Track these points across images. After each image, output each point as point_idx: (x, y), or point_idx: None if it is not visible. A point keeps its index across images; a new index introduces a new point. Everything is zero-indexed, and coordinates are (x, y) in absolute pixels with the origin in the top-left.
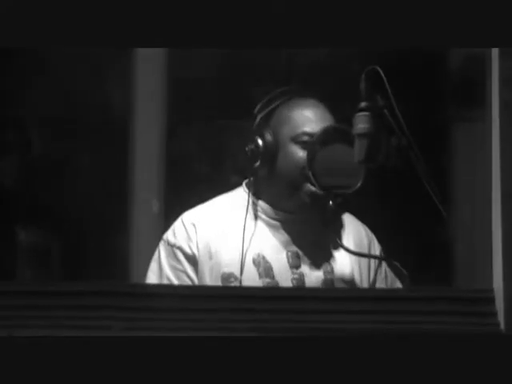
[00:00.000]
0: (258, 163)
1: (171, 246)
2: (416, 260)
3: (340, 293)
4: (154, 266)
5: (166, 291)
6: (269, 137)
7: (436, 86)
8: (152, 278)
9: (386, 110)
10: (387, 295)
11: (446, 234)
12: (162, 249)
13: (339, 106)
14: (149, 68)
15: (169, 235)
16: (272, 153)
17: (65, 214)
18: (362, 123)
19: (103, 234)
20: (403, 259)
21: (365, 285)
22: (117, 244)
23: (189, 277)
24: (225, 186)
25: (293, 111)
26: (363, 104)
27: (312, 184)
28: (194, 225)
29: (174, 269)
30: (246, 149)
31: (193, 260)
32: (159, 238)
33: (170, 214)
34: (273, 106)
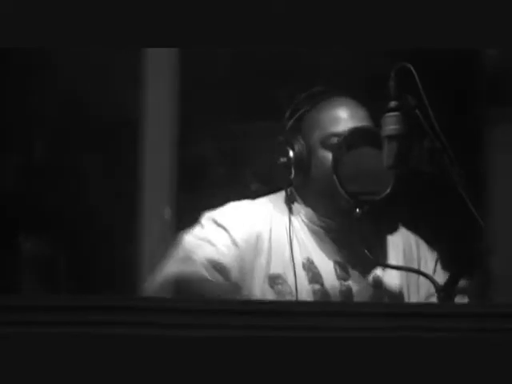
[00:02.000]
0: (292, 175)
1: (217, 225)
2: (450, 270)
3: (379, 308)
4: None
5: (178, 306)
6: (299, 146)
7: (470, 85)
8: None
9: (417, 110)
10: (421, 311)
11: (483, 243)
12: (206, 223)
13: (368, 106)
14: (160, 69)
15: (216, 215)
16: (304, 162)
17: (72, 223)
18: (391, 124)
19: (112, 242)
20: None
21: (413, 298)
22: (127, 253)
23: (235, 253)
24: (243, 192)
25: (322, 113)
26: (393, 103)
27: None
28: (244, 216)
29: (221, 244)
30: (278, 162)
31: (235, 244)
32: (171, 246)
33: (182, 221)
34: (303, 110)
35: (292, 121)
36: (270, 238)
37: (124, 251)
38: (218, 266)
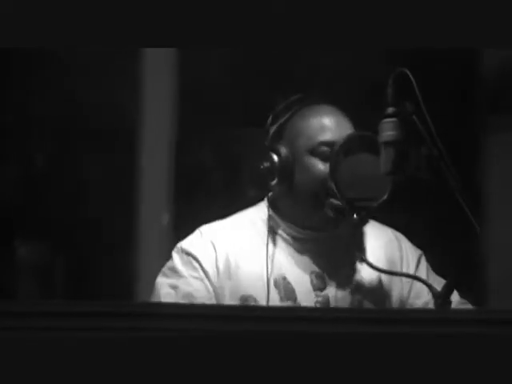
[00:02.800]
0: (275, 181)
1: (187, 255)
2: (447, 276)
3: (364, 313)
4: (167, 272)
5: (176, 311)
6: (283, 151)
7: (468, 92)
8: (164, 286)
9: (415, 117)
10: (414, 316)
11: (479, 249)
12: (176, 257)
13: (361, 113)
14: (158, 74)
15: (185, 245)
16: (288, 168)
17: (70, 229)
18: (388, 130)
19: (110, 248)
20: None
21: (396, 303)
22: (124, 259)
23: (206, 286)
24: (241, 198)
25: (307, 120)
26: (390, 110)
27: (335, 197)
28: (212, 242)
29: (192, 277)
30: (261, 166)
31: (208, 276)
32: (168, 251)
33: (179, 227)
34: (286, 116)
35: (275, 127)
36: (238, 261)
37: (122, 257)
38: (190, 301)
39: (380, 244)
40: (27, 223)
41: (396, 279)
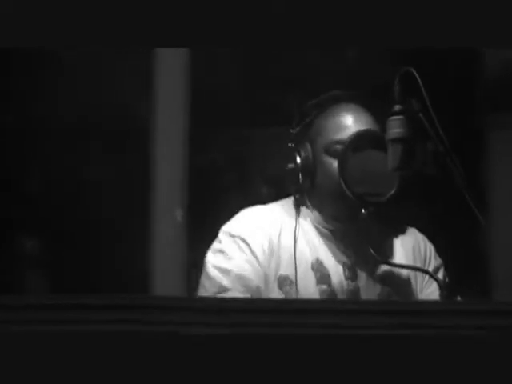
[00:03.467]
0: (299, 181)
1: (235, 237)
2: (453, 270)
3: (378, 306)
4: (218, 255)
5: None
6: (305, 152)
7: (473, 89)
8: (216, 270)
9: (421, 114)
10: (424, 308)
11: (484, 243)
12: (225, 239)
13: (374, 111)
14: (170, 74)
15: (231, 227)
16: (310, 168)
17: (82, 225)
18: (395, 128)
19: (124, 244)
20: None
21: (421, 296)
22: (138, 254)
23: (256, 268)
24: (254, 196)
25: (327, 120)
26: (397, 107)
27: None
28: (256, 224)
29: (242, 259)
30: (286, 168)
31: (256, 257)
32: (182, 247)
33: (193, 224)
34: (310, 117)
35: (300, 127)
36: (280, 241)
37: (137, 253)
38: (246, 287)
39: (408, 242)
40: (42, 220)
41: (420, 275)
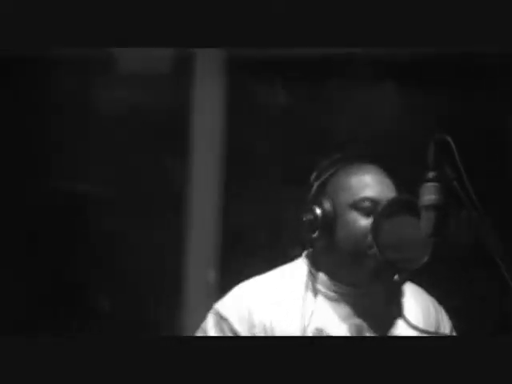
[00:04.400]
0: (316, 234)
1: (219, 317)
2: (486, 335)
3: None
4: (199, 331)
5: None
6: (327, 205)
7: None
8: None
9: (455, 182)
10: None
11: None
12: (210, 318)
13: (399, 172)
14: (205, 134)
15: (219, 306)
16: (331, 222)
17: (118, 284)
18: (429, 194)
19: (157, 304)
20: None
21: None
22: (171, 316)
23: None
24: (283, 257)
25: (350, 177)
26: (431, 174)
27: (376, 256)
28: (246, 303)
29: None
30: (304, 219)
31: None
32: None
33: (225, 285)
34: (330, 172)
35: (318, 182)
36: (274, 320)
37: (169, 314)
38: None
39: (420, 308)
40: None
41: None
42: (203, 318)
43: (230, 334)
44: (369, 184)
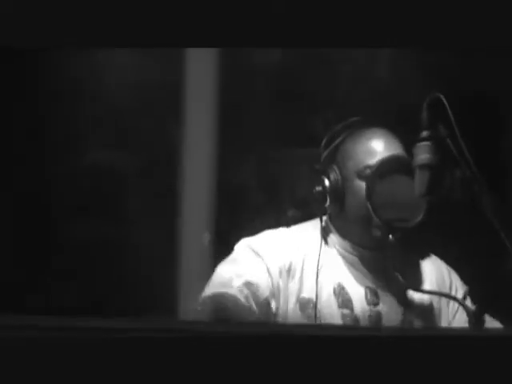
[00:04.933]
0: (327, 203)
1: (252, 250)
2: (482, 297)
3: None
4: (230, 263)
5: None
6: (335, 176)
7: (501, 114)
8: (228, 272)
9: (449, 140)
10: (453, 334)
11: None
12: (241, 250)
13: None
14: (199, 93)
15: (250, 241)
16: (339, 191)
17: (109, 246)
18: (423, 153)
19: (150, 267)
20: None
21: (445, 324)
22: (165, 278)
23: (267, 279)
24: (282, 218)
25: (357, 144)
26: (425, 133)
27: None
28: (276, 244)
29: (256, 268)
30: (314, 190)
31: (269, 272)
32: (209, 271)
33: (220, 248)
34: (338, 140)
35: (328, 150)
36: (303, 265)
37: (163, 277)
38: (253, 294)
39: (431, 270)
40: (72, 240)
41: (444, 305)
42: (199, 282)
43: (262, 264)
44: (375, 151)
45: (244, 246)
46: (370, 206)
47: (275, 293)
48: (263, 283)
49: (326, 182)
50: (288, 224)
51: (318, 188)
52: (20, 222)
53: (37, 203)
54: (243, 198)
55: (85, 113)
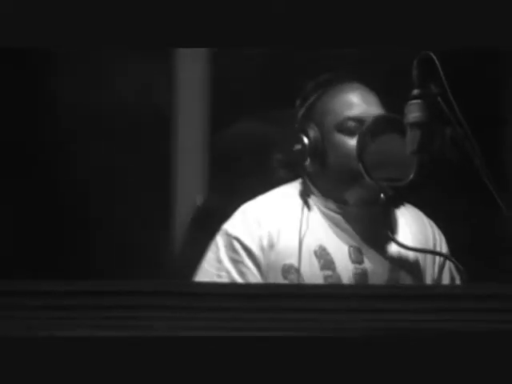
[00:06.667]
0: (307, 162)
1: (229, 237)
2: (472, 254)
3: (388, 290)
4: (210, 256)
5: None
6: (313, 132)
7: (492, 73)
8: (209, 270)
9: (439, 98)
10: (439, 292)
11: (504, 227)
12: (220, 239)
13: (387, 94)
14: (191, 66)
15: (228, 226)
16: (319, 148)
17: (104, 210)
18: (414, 112)
19: (145, 229)
20: (459, 253)
21: (430, 281)
22: (159, 239)
23: (247, 268)
24: (271, 180)
25: (334, 98)
26: (416, 91)
27: (363, 175)
28: (255, 219)
29: (233, 260)
30: (293, 149)
31: (249, 252)
32: (202, 232)
33: (213, 209)
34: (314, 97)
35: (304, 109)
36: (280, 233)
37: (157, 237)
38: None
39: (414, 226)
40: (64, 206)
41: (429, 262)
42: (192, 243)
43: (242, 252)
44: (353, 103)
45: (223, 235)
46: (361, 166)
47: (257, 271)
48: (246, 274)
49: (305, 140)
50: (279, 184)
51: (297, 146)
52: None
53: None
54: (233, 161)
55: None
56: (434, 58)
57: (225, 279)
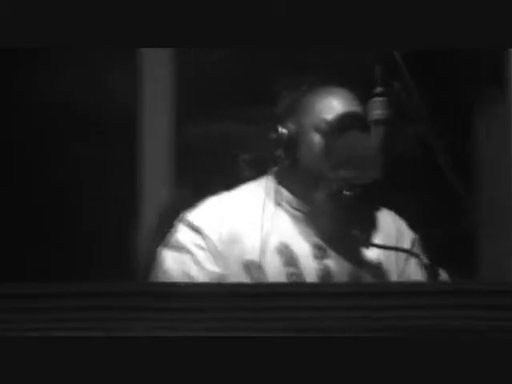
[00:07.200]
0: (280, 152)
1: (192, 227)
2: (438, 250)
3: (355, 288)
4: (172, 246)
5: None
6: (291, 125)
7: (456, 69)
8: (170, 259)
9: (403, 96)
10: (406, 289)
11: (468, 223)
12: (181, 228)
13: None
14: (156, 64)
15: (190, 216)
16: (294, 141)
17: (71, 210)
18: (377, 109)
19: (111, 228)
20: (425, 250)
21: (394, 277)
22: (126, 238)
23: (205, 250)
24: (238, 178)
25: (316, 99)
26: (379, 89)
27: (330, 173)
28: (217, 212)
29: (194, 244)
30: (269, 137)
31: (210, 241)
32: (169, 228)
33: (180, 207)
34: (298, 94)
35: (286, 102)
36: (242, 228)
37: (123, 234)
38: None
39: (380, 224)
40: (31, 207)
41: (393, 259)
42: (156, 238)
43: (202, 243)
44: (332, 107)
45: (184, 223)
46: (326, 162)
47: (217, 263)
48: (204, 258)
49: (283, 130)
50: (245, 181)
51: (273, 135)
52: None
53: None
54: (200, 159)
55: None
56: (398, 56)
57: (188, 261)
